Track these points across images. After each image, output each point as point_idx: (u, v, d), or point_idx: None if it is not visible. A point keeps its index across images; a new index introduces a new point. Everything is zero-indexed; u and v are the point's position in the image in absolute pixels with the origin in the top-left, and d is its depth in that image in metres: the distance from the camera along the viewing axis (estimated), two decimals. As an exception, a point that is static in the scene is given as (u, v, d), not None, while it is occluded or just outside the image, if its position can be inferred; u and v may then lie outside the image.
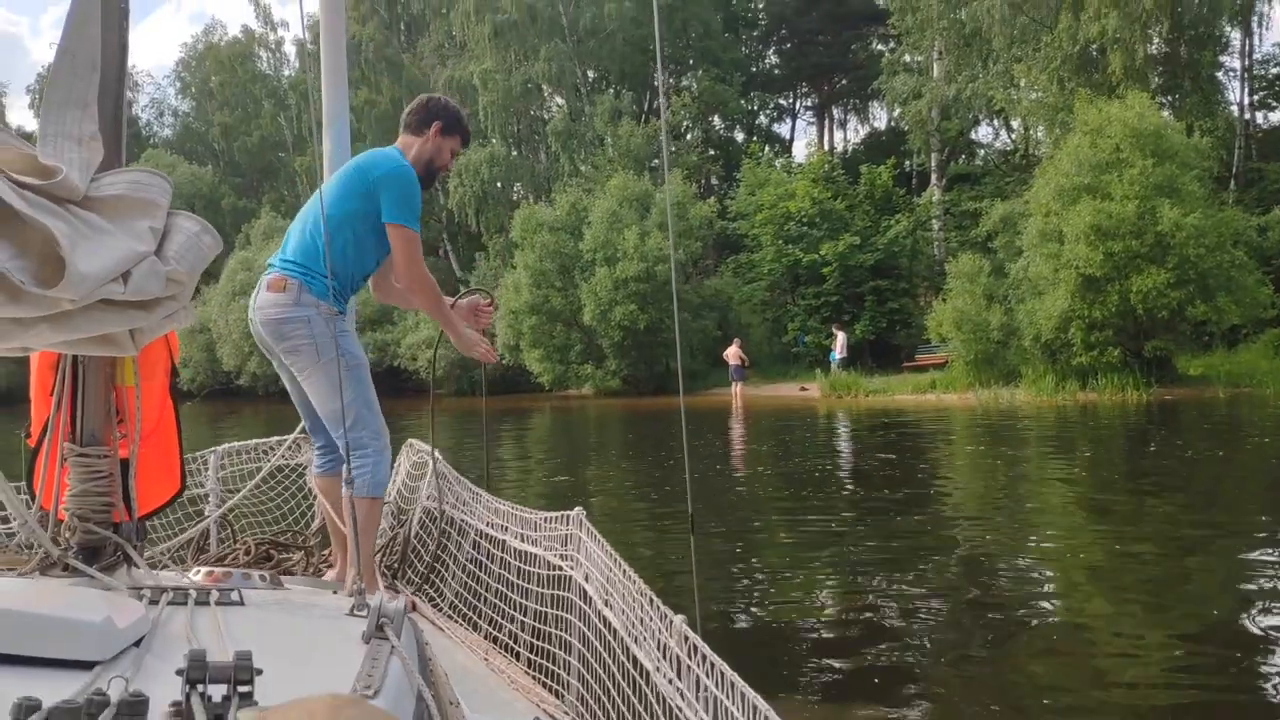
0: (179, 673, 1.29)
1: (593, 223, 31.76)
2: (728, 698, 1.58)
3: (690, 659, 1.77)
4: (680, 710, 1.79)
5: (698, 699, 1.71)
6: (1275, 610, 5.19)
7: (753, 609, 5.67)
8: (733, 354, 28.31)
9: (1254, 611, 5.21)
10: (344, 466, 3.69)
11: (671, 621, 1.89)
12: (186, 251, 2.04)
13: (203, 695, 1.27)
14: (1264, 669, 4.31)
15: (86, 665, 1.42)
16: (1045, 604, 5.70)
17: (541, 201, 38.19)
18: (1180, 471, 10.77)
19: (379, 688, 1.46)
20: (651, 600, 2.02)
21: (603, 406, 28.05)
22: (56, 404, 1.93)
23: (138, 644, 1.56)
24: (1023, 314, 22.98)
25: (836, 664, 4.71)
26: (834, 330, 29.99)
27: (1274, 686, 4.08)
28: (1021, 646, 4.86)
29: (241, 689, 1.28)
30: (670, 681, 1.85)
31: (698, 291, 32.87)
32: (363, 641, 1.66)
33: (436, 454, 3.83)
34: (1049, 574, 6.40)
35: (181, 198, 53.11)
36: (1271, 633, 4.80)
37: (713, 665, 1.66)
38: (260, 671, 1.30)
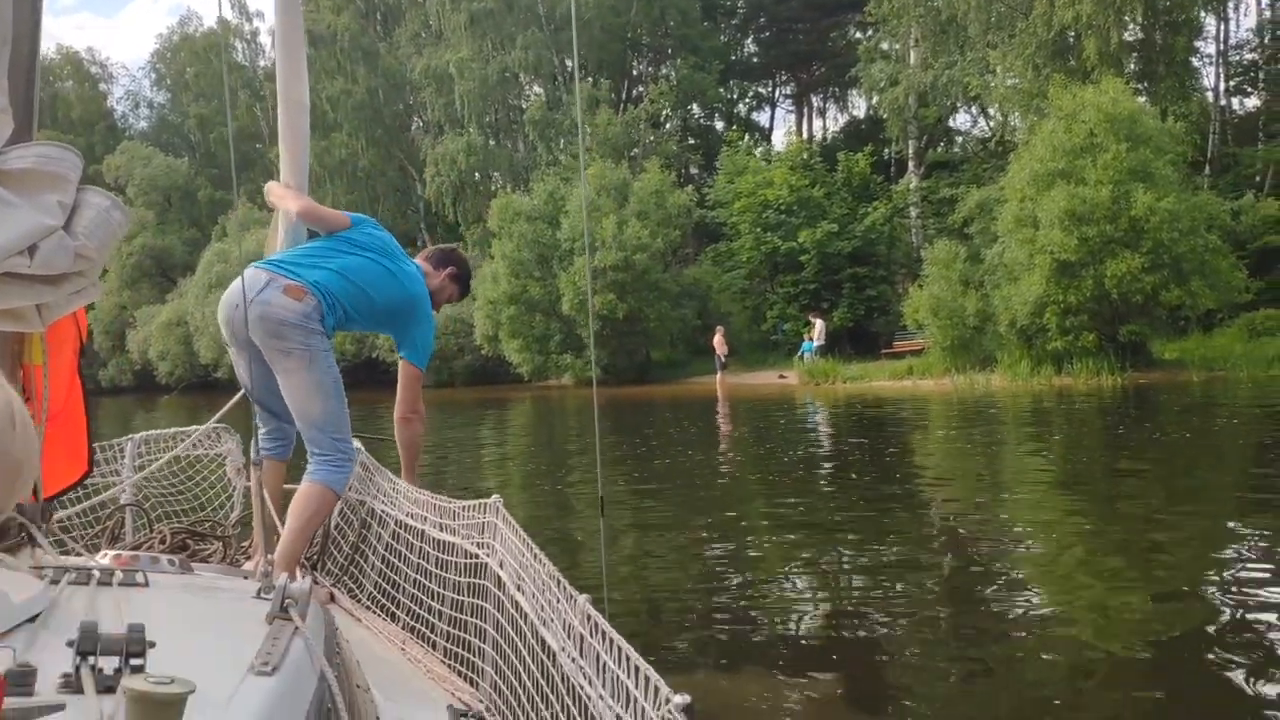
0: (69, 644, 1.26)
1: (570, 212, 31.68)
2: (625, 673, 1.56)
3: (592, 637, 1.76)
4: (583, 688, 1.78)
5: (598, 676, 1.70)
6: (1244, 583, 5.24)
7: (695, 590, 5.67)
8: (718, 343, 28.40)
9: (1225, 584, 5.28)
10: (276, 454, 3.75)
11: (576, 601, 1.88)
12: (96, 227, 2.01)
13: (93, 667, 1.23)
14: (1232, 641, 4.33)
15: None
16: (1015, 580, 5.71)
17: (519, 191, 38.09)
18: (1153, 453, 10.83)
19: (277, 665, 1.42)
20: (559, 582, 2.01)
21: (583, 396, 28.02)
22: (-41, 381, 1.88)
23: (32, 620, 1.52)
24: (998, 299, 23.05)
25: (764, 642, 4.71)
26: (810, 318, 30.12)
27: (1242, 657, 4.09)
28: (982, 631, 4.86)
29: (133, 661, 1.25)
30: (573, 660, 1.84)
31: (677, 280, 32.86)
32: (266, 622, 1.63)
33: (358, 444, 3.85)
34: (1021, 553, 6.42)
35: (158, 189, 52.81)
36: (1239, 606, 4.84)
37: (611, 642, 1.64)
38: (154, 644, 1.27)
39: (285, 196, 3.83)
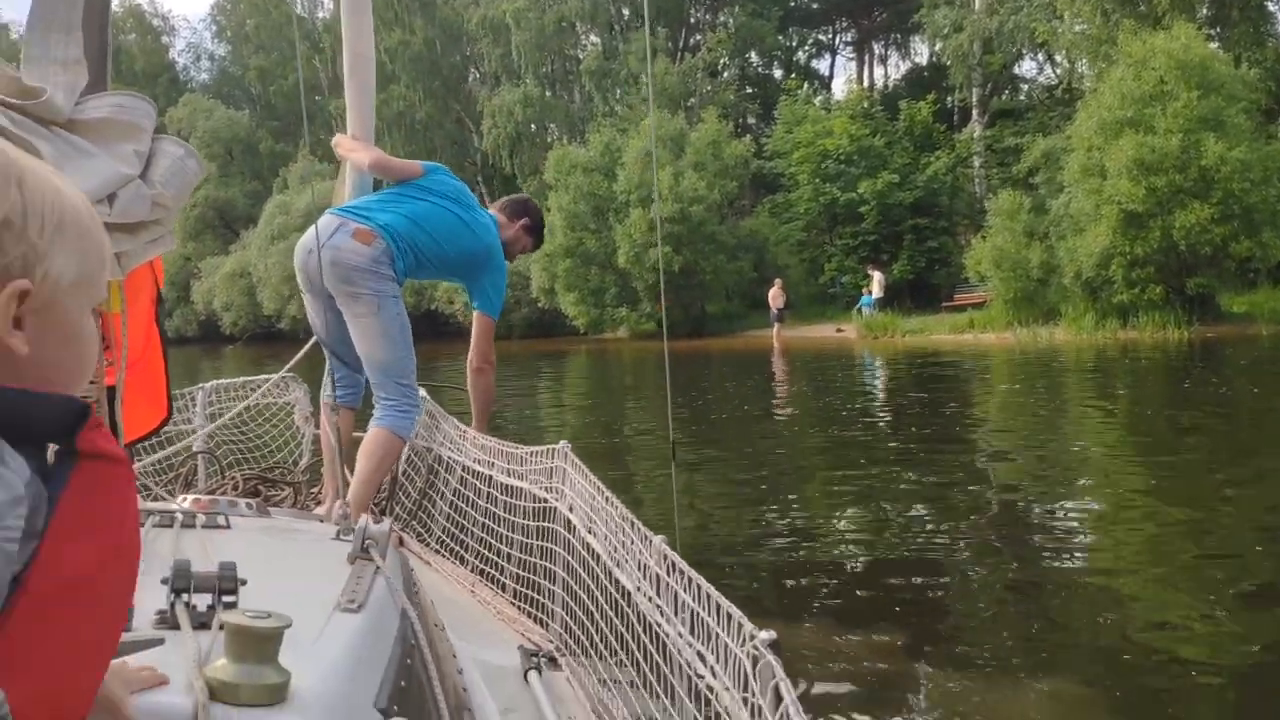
0: (163, 581, 1.31)
1: (626, 164, 31.47)
2: (704, 609, 1.58)
3: (669, 576, 1.78)
4: (660, 625, 1.80)
5: (676, 614, 1.72)
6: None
7: (760, 538, 5.70)
8: (775, 295, 28.12)
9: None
10: (347, 401, 3.82)
11: (651, 542, 1.90)
12: (172, 176, 2.04)
13: (187, 604, 1.29)
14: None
15: None
16: (1075, 541, 5.66)
17: (575, 142, 37.92)
18: (1220, 409, 10.61)
19: (363, 603, 1.47)
20: (633, 524, 2.03)
21: (638, 349, 28.07)
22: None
23: None
24: (1063, 251, 22.61)
25: (831, 590, 4.74)
26: (869, 270, 29.65)
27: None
28: (1042, 584, 4.83)
29: (225, 598, 1.30)
30: (650, 599, 1.87)
31: (733, 232, 32.55)
32: (348, 562, 1.68)
33: (424, 393, 3.91)
34: (1081, 512, 6.35)
35: (220, 142, 53.38)
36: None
37: (690, 580, 1.66)
38: (244, 582, 1.32)
39: (355, 149, 3.87)
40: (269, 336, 43.32)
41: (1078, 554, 5.33)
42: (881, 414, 11.77)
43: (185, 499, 2.23)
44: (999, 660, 3.83)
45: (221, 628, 1.21)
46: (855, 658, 3.85)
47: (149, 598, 1.28)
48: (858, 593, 4.82)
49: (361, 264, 3.44)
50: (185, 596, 1.30)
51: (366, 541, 1.73)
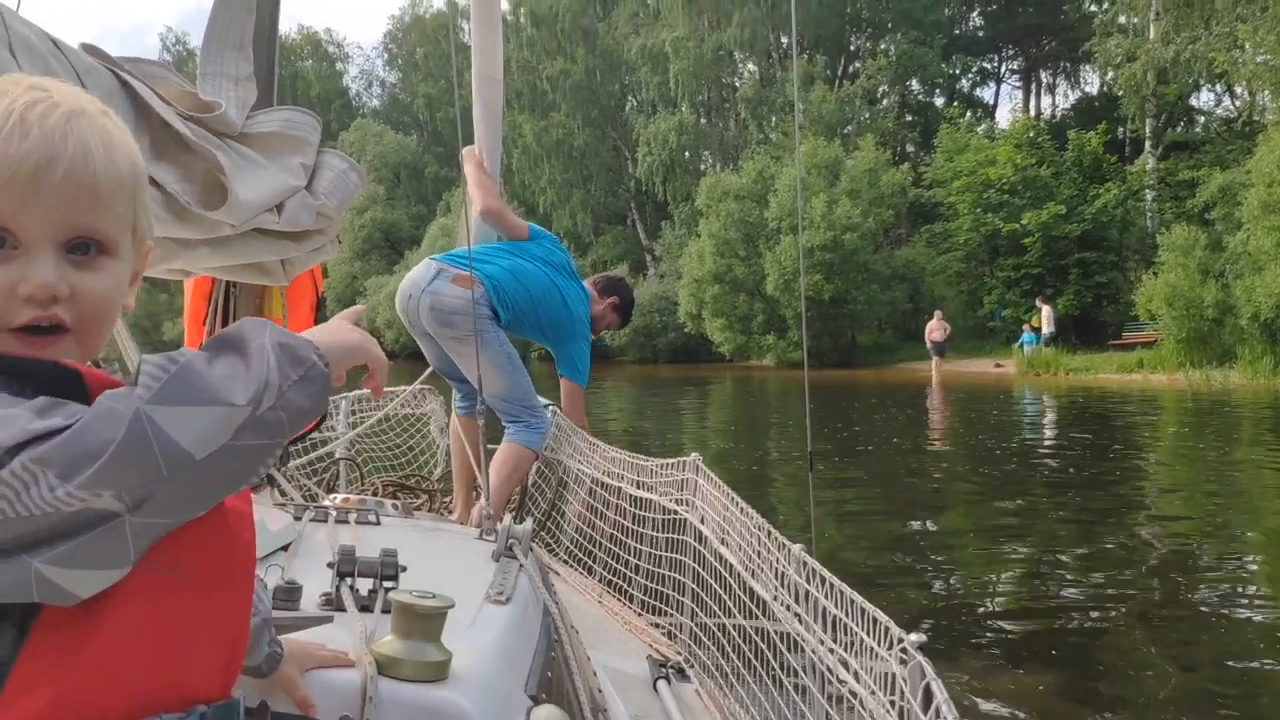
0: (329, 565, 1.40)
1: (779, 190, 31.31)
2: (848, 616, 1.55)
3: (809, 583, 1.74)
4: (800, 634, 1.78)
5: (816, 621, 1.69)
6: None
7: (898, 568, 5.52)
8: (934, 328, 27.35)
9: None
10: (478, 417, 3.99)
11: (790, 550, 1.87)
12: (335, 187, 2.13)
13: (352, 587, 1.37)
14: None
15: None
16: (1241, 596, 5.30)
17: (728, 169, 37.99)
18: None
19: (510, 596, 1.53)
20: (769, 533, 2.00)
21: (784, 377, 27.79)
22: (209, 332, 2.04)
23: (284, 549, 1.68)
24: (1240, 290, 21.33)
25: (971, 624, 4.56)
26: (1038, 304, 28.42)
27: None
28: (1197, 638, 4.53)
29: (387, 583, 1.37)
30: (788, 608, 1.84)
31: (888, 261, 31.97)
32: (492, 559, 1.75)
33: (553, 408, 4.00)
34: (1250, 567, 5.95)
35: (388, 166, 55.71)
36: None
37: (832, 586, 1.63)
38: (405, 569, 1.40)
39: (479, 185, 4.01)
40: (427, 353, 44.59)
41: (1241, 609, 4.98)
42: (1039, 454, 11.31)
43: (335, 498, 2.32)
44: (1149, 709, 3.61)
45: (385, 610, 1.29)
46: (995, 694, 3.70)
47: (313, 582, 1.39)
48: (1001, 630, 4.63)
49: (460, 306, 3.59)
50: (349, 580, 1.38)
51: (510, 541, 1.79)
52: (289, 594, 1.34)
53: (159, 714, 0.85)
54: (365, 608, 1.34)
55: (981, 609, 4.98)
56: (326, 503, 2.13)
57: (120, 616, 0.81)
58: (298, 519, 1.88)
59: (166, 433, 0.73)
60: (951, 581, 5.49)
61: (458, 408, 3.96)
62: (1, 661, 0.79)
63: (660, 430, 13.65)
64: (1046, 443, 12.44)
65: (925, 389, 22.14)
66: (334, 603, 1.35)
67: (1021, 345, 27.65)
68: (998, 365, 27.11)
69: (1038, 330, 27.66)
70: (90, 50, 1.73)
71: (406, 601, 1.21)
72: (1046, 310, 27.70)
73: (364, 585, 1.39)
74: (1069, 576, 5.64)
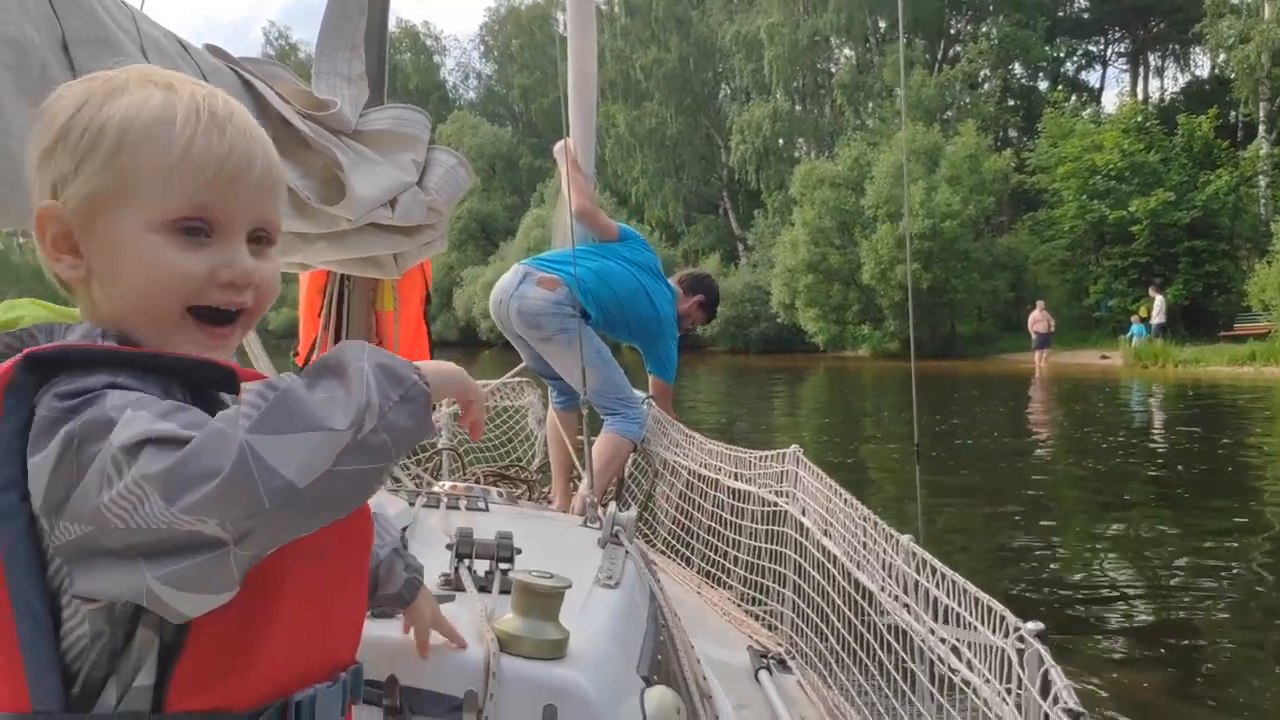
0: (448, 547, 1.45)
1: (876, 177, 30.80)
2: (959, 604, 1.53)
3: (919, 574, 1.72)
4: (909, 625, 1.76)
5: (926, 611, 1.67)
6: None
7: (999, 562, 5.41)
8: (1037, 318, 26.64)
9: None
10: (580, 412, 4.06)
11: (898, 541, 1.85)
12: (445, 183, 2.17)
13: (469, 568, 1.42)
14: None
15: None
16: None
17: (823, 157, 37.55)
18: None
19: (619, 580, 1.56)
20: (876, 524, 1.98)
21: (879, 368, 27.41)
22: (324, 324, 2.11)
23: (402, 532, 1.75)
24: (1365, 279, 20.35)
25: (1076, 620, 4.46)
26: (1150, 292, 27.43)
27: None
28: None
29: (503, 565, 1.41)
30: (896, 599, 1.82)
31: (989, 250, 31.23)
32: (599, 545, 1.79)
33: (649, 400, 4.05)
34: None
35: (484, 157, 56.40)
36: None
37: (944, 576, 1.61)
38: (520, 551, 1.44)
39: (574, 184, 4.06)
40: (522, 342, 45.07)
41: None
42: (1146, 448, 10.95)
43: (444, 484, 2.38)
44: (1256, 716, 3.49)
45: (503, 590, 1.33)
46: (1101, 689, 3.62)
47: (432, 563, 1.40)
48: (1106, 626, 4.52)
49: (546, 309, 3.71)
50: (467, 561, 1.43)
51: (615, 528, 1.82)
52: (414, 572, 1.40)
53: (314, 685, 0.90)
54: (483, 588, 1.38)
55: (1086, 604, 4.86)
56: (437, 488, 2.19)
57: (283, 601, 0.86)
58: (411, 504, 1.95)
59: (268, 462, 0.72)
60: (1056, 576, 5.36)
61: (554, 402, 4.06)
62: (167, 647, 0.82)
63: (754, 422, 13.59)
64: (1155, 437, 12.05)
65: (1028, 381, 21.60)
66: (453, 583, 1.40)
67: (1130, 336, 26.73)
68: (1104, 357, 26.33)
69: (1146, 320, 26.73)
70: (213, 51, 1.79)
71: (527, 581, 1.24)
72: (1159, 299, 26.71)
73: (480, 567, 1.43)
74: (1177, 574, 5.47)
